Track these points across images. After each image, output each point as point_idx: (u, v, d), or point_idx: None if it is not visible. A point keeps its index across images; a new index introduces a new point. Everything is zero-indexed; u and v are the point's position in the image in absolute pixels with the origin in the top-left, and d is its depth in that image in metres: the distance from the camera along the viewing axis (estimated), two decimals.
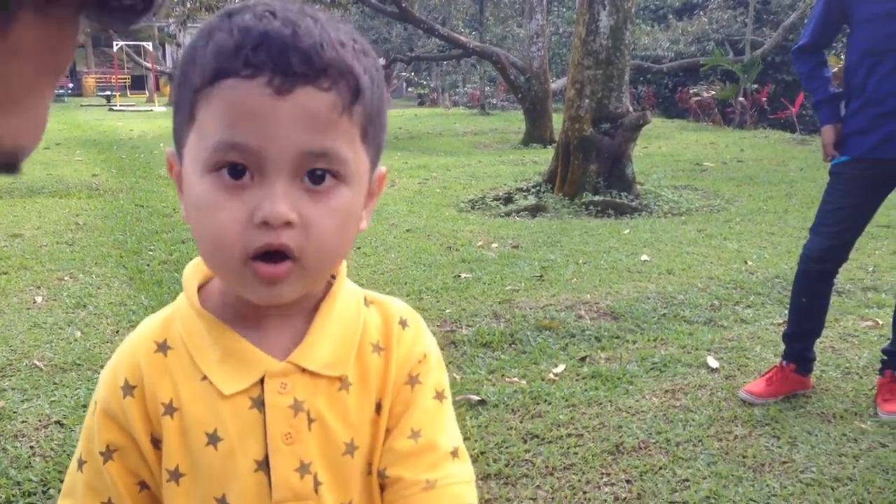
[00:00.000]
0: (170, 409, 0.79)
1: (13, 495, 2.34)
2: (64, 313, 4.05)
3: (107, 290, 4.48)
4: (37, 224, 6.28)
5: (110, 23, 0.39)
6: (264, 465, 0.78)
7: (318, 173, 0.71)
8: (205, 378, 0.79)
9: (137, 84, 32.70)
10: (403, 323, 0.86)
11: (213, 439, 0.78)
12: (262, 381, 0.79)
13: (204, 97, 0.70)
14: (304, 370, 0.79)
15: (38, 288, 4.50)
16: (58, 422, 2.84)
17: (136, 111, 23.15)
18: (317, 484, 0.80)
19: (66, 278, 4.70)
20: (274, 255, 0.71)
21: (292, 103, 0.68)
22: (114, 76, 30.07)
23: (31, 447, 2.66)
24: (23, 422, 2.83)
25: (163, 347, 0.82)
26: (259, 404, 0.79)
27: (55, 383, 3.17)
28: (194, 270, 0.84)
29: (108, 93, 27.89)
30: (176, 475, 0.80)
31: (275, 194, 0.69)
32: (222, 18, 0.71)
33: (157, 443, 0.81)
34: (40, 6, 0.36)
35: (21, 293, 4.40)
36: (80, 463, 0.83)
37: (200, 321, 0.80)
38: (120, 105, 25.24)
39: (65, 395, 3.05)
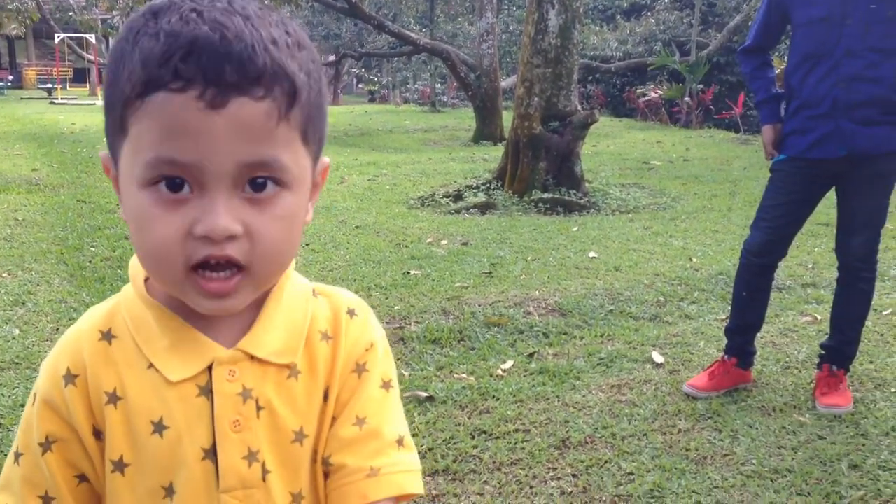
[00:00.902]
0: (113, 399, 0.78)
1: None
2: (1, 311, 3.93)
3: (47, 287, 4.37)
4: None
5: None
6: (212, 453, 0.78)
7: (258, 181, 0.70)
8: (151, 366, 0.78)
9: (79, 77, 31.90)
10: (351, 312, 0.86)
11: (159, 427, 0.77)
12: (210, 368, 0.78)
13: (134, 110, 0.68)
14: (252, 357, 0.79)
15: None
16: None
17: (79, 104, 22.59)
18: (265, 472, 0.79)
19: (3, 275, 4.57)
20: (218, 265, 0.70)
21: (226, 117, 0.66)
22: (55, 69, 29.31)
23: None
24: None
25: (107, 336, 0.80)
26: (207, 392, 0.78)
27: None
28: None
29: (50, 86, 27.18)
30: (120, 465, 0.78)
31: (216, 207, 0.68)
32: (147, 18, 0.68)
33: (98, 434, 0.79)
34: None
35: None
36: (17, 456, 0.81)
37: (148, 310, 0.79)
38: (61, 98, 24.61)
39: (2, 395, 2.96)
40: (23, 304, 4.05)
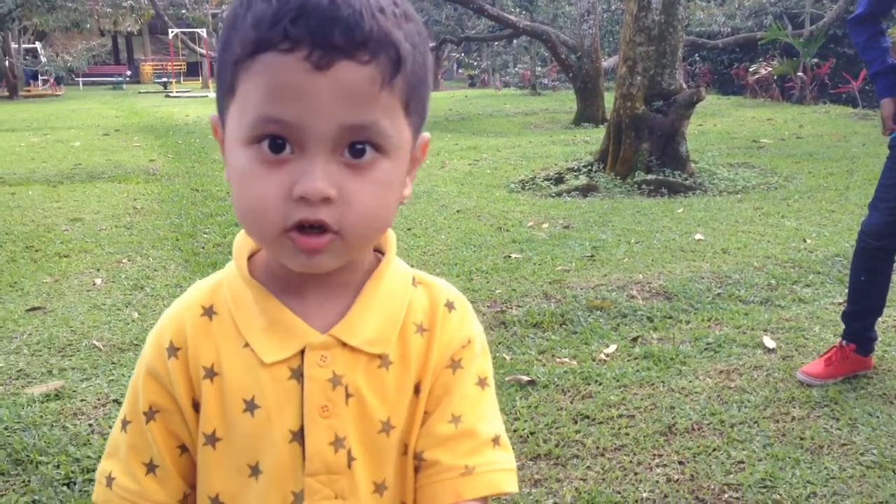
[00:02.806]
0: (210, 374, 0.80)
1: (72, 472, 2.41)
2: (122, 295, 4.14)
3: (163, 272, 4.57)
4: (96, 208, 6.44)
5: None
6: (299, 436, 0.79)
7: (358, 146, 0.71)
8: (247, 345, 0.79)
9: (192, 70, 33.21)
10: (450, 305, 0.85)
11: (251, 406, 0.79)
12: (302, 352, 0.79)
13: (244, 70, 0.70)
14: (344, 345, 0.79)
15: (98, 270, 4.61)
16: (115, 400, 2.91)
17: (192, 97, 23.52)
18: (350, 459, 0.80)
19: (124, 261, 4.81)
20: (311, 228, 0.71)
21: (331, 78, 0.67)
22: (169, 63, 30.59)
23: (90, 425, 2.73)
24: (82, 400, 2.91)
25: (209, 312, 0.82)
26: (298, 375, 0.79)
27: (113, 363, 3.25)
28: (244, 240, 0.84)
29: (165, 79, 28.40)
30: (212, 439, 0.81)
31: (314, 170, 0.69)
32: None
33: (197, 406, 0.82)
34: None
35: (81, 275, 4.52)
36: (124, 423, 0.84)
37: (247, 289, 0.81)
38: (176, 91, 25.67)
39: (122, 375, 3.12)
40: (141, 288, 4.26)
